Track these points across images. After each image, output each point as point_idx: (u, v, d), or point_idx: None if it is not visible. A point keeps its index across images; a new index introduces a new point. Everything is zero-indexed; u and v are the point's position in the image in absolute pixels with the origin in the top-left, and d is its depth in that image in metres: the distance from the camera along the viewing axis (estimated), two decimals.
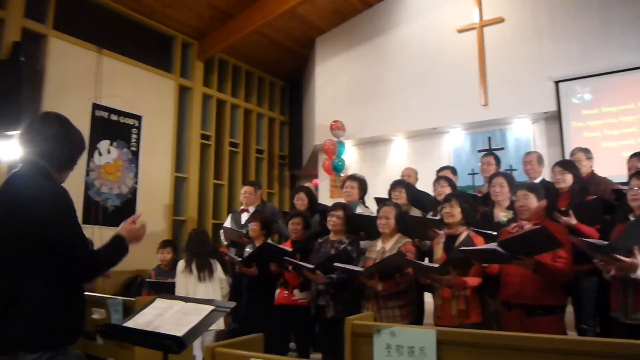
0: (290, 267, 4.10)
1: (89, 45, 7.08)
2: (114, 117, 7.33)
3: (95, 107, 7.06)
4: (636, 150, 4.29)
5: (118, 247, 2.26)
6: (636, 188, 3.08)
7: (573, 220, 3.65)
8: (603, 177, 4.47)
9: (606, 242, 2.88)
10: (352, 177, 5.00)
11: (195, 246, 4.86)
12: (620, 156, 6.28)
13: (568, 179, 4.08)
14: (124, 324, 2.31)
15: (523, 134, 7.38)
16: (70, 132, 2.25)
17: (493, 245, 3.03)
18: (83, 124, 6.68)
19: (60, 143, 2.18)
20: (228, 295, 4.99)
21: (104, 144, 7.15)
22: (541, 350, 1.77)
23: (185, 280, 4.71)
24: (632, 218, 3.13)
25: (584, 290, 3.87)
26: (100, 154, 7.08)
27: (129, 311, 2.94)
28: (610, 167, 5.75)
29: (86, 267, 2.13)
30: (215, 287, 4.79)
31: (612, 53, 6.57)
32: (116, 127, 7.36)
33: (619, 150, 6.36)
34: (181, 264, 4.82)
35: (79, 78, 6.90)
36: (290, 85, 11.00)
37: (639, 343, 1.63)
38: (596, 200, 3.79)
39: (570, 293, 3.55)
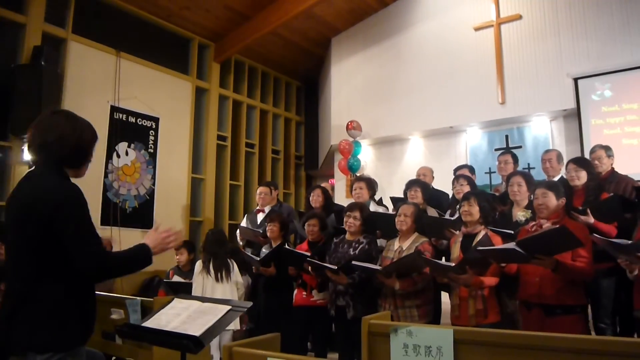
0: (310, 269, 4.10)
1: (107, 48, 7.16)
2: (131, 119, 7.41)
3: (114, 109, 7.15)
4: None
5: (140, 256, 2.20)
6: None
7: (590, 219, 3.59)
8: (624, 175, 4.39)
9: (630, 242, 2.83)
10: (359, 179, 5.01)
11: (212, 246, 4.88)
12: None
13: (582, 176, 4.02)
14: (143, 324, 2.32)
15: (541, 131, 7.29)
16: (78, 126, 2.20)
17: (511, 245, 2.99)
18: (101, 127, 6.77)
19: (70, 139, 2.15)
20: (243, 296, 5.01)
21: (122, 146, 7.24)
22: (559, 349, 1.75)
23: (202, 281, 4.74)
24: None
25: (603, 289, 3.81)
26: (118, 156, 7.15)
27: (147, 311, 2.98)
28: (632, 165, 5.66)
29: (95, 265, 2.06)
30: (233, 287, 4.82)
31: (633, 49, 6.44)
32: (134, 129, 7.44)
33: None
34: (199, 265, 4.86)
35: (98, 81, 7.00)
36: (306, 86, 11.00)
37: None
38: (614, 197, 3.73)
39: (588, 292, 3.49)
